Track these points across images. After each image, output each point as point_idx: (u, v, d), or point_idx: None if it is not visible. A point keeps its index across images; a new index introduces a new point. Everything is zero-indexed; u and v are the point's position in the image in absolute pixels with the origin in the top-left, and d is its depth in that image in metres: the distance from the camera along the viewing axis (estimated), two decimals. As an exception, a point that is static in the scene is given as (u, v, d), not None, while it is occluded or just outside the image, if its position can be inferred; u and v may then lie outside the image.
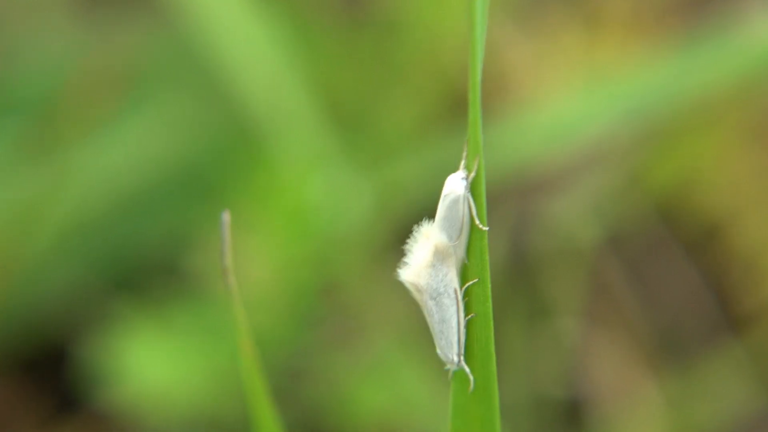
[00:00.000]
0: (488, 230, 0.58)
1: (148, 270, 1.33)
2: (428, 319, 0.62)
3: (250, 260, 1.23)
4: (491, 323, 0.59)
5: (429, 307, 0.61)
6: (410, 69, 1.46)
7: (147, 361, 1.18)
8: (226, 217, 0.67)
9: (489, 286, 0.59)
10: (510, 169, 1.39)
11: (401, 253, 0.62)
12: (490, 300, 0.59)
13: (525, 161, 1.39)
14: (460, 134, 1.42)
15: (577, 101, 1.39)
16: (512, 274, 1.50)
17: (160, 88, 1.33)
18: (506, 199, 1.54)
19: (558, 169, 1.51)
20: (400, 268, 0.62)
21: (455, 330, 0.61)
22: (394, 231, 1.36)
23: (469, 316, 0.60)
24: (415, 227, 0.61)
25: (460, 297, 0.60)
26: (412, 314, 1.35)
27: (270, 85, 1.31)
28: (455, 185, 0.59)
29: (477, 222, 0.59)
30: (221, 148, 1.37)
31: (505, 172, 1.40)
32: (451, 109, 1.51)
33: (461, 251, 0.60)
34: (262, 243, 1.26)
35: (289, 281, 1.24)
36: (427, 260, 0.60)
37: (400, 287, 0.63)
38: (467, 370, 0.61)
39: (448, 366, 0.61)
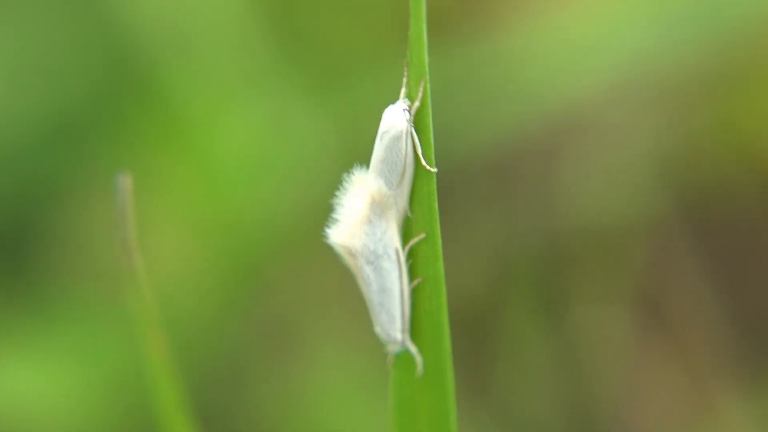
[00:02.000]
0: (436, 172, 0.71)
1: (9, 245, 1.46)
2: (365, 290, 0.73)
3: (151, 231, 1.35)
4: (443, 288, 0.72)
5: (365, 274, 0.73)
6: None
7: (14, 372, 1.30)
8: (125, 180, 0.79)
9: (439, 241, 0.71)
10: (516, 112, 1.52)
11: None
12: (441, 259, 0.71)
13: (538, 98, 1.52)
14: (442, 52, 1.53)
15: (612, 8, 1.50)
16: (532, 263, 1.62)
17: (23, 3, 1.44)
18: (520, 159, 1.65)
19: (593, 112, 1.62)
20: (328, 226, 0.74)
21: (398, 301, 0.72)
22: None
23: (416, 282, 0.72)
24: (345, 174, 0.74)
25: (403, 259, 0.71)
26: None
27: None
28: (395, 119, 0.71)
29: (423, 163, 0.70)
30: (104, 78, 1.47)
31: (511, 116, 1.52)
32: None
33: (403, 202, 0.71)
34: (165, 207, 1.38)
35: (205, 259, 1.37)
36: (362, 215, 0.72)
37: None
38: (414, 350, 0.72)
39: (390, 347, 0.73)
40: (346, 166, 1.47)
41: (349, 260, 0.74)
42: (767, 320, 1.64)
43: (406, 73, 0.71)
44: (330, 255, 1.51)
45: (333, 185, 1.47)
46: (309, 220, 1.48)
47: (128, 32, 1.45)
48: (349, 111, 1.51)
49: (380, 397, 1.46)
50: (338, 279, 1.53)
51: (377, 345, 1.49)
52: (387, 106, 1.50)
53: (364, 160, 1.48)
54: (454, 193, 1.59)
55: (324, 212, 1.48)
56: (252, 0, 1.49)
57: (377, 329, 0.74)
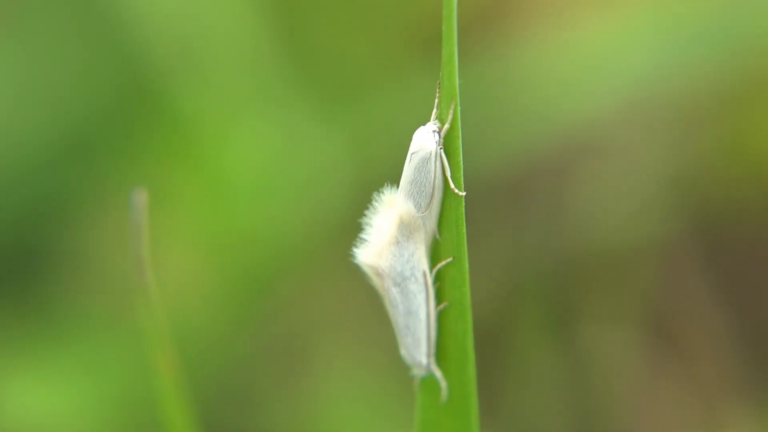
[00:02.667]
0: (465, 195, 0.72)
1: (19, 262, 1.46)
2: (391, 312, 0.73)
3: (161, 248, 1.35)
4: (469, 313, 0.72)
5: (392, 295, 0.73)
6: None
7: (24, 390, 1.31)
8: (140, 197, 0.79)
9: (467, 266, 0.71)
10: (527, 130, 1.52)
11: (361, 229, 0.75)
12: (467, 283, 0.72)
13: (549, 116, 1.52)
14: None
15: (624, 26, 1.51)
16: (542, 282, 1.62)
17: (32, 20, 1.45)
18: (530, 177, 1.65)
19: (604, 131, 1.62)
20: (357, 246, 0.74)
21: (424, 324, 0.72)
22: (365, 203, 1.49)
23: (442, 306, 0.72)
24: (376, 194, 0.74)
25: (430, 282, 0.72)
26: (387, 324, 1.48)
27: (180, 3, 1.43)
28: (424, 140, 0.71)
29: (452, 186, 0.70)
30: (114, 94, 1.48)
31: (522, 134, 1.52)
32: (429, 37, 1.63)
33: (432, 224, 0.71)
34: (175, 223, 1.38)
35: (215, 276, 1.37)
36: (390, 235, 0.72)
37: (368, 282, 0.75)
38: (439, 375, 0.73)
39: (416, 371, 0.73)
40: (357, 182, 1.48)
41: (376, 281, 0.74)
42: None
43: (437, 95, 0.71)
44: (340, 272, 1.52)
45: (344, 201, 1.48)
46: (319, 236, 1.49)
47: (139, 47, 1.46)
48: (360, 126, 1.52)
49: (389, 415, 1.46)
50: (348, 296, 1.53)
51: (386, 363, 1.50)
52: (396, 120, 1.52)
53: (375, 175, 1.49)
54: (464, 210, 1.60)
55: (335, 229, 1.49)
56: (263, 15, 1.50)
57: (402, 352, 0.74)
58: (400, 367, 1.50)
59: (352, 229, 1.50)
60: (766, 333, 1.65)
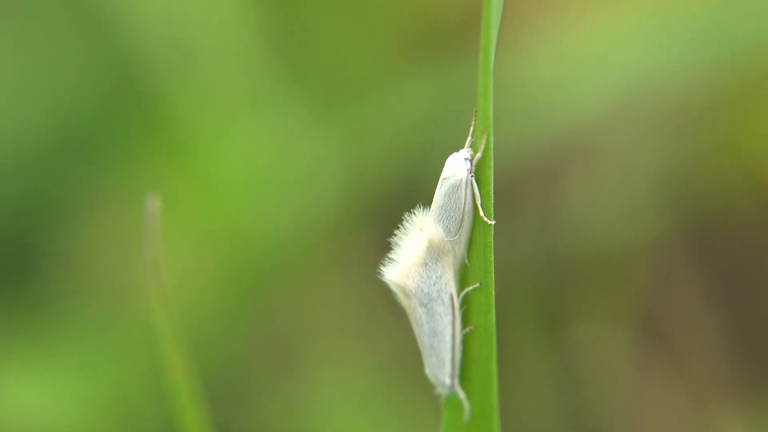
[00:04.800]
0: (494, 224, 0.74)
1: (12, 261, 1.47)
2: (416, 331, 0.75)
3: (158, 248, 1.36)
4: (494, 339, 0.74)
5: (418, 315, 0.75)
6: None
7: (16, 389, 1.32)
8: (154, 203, 0.81)
9: (493, 292, 0.74)
10: (519, 132, 1.54)
11: (381, 246, 0.77)
12: (493, 310, 0.74)
13: (541, 118, 1.54)
14: (435, 74, 1.55)
15: (617, 27, 1.52)
16: (534, 283, 1.64)
17: (29, 19, 1.45)
18: (522, 179, 1.67)
19: (595, 133, 1.64)
20: (385, 265, 0.76)
21: (449, 345, 0.74)
22: (364, 210, 1.51)
23: (467, 330, 0.74)
24: (406, 216, 0.76)
25: (457, 305, 0.74)
26: (392, 328, 1.50)
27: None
28: (457, 167, 0.73)
29: (482, 214, 0.72)
30: (109, 94, 1.48)
31: (513, 136, 1.54)
32: (422, 42, 1.64)
33: (461, 249, 0.74)
34: (168, 224, 1.39)
35: (208, 276, 1.38)
36: (418, 257, 0.74)
37: (376, 289, 0.78)
38: (462, 395, 0.75)
39: (440, 390, 0.75)
40: (350, 183, 1.50)
41: (403, 299, 0.76)
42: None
43: (473, 123, 0.73)
44: (333, 274, 1.54)
45: (336, 200, 1.49)
46: (312, 235, 1.50)
47: (133, 49, 1.47)
48: (353, 126, 1.53)
49: (380, 414, 1.48)
50: (340, 294, 1.55)
51: (378, 362, 1.52)
52: (389, 120, 1.53)
53: (367, 174, 1.51)
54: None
55: (327, 227, 1.50)
56: (257, 18, 1.51)
57: (427, 371, 0.76)
58: (391, 367, 1.52)
59: (344, 228, 1.52)
60: (757, 332, 1.67)
